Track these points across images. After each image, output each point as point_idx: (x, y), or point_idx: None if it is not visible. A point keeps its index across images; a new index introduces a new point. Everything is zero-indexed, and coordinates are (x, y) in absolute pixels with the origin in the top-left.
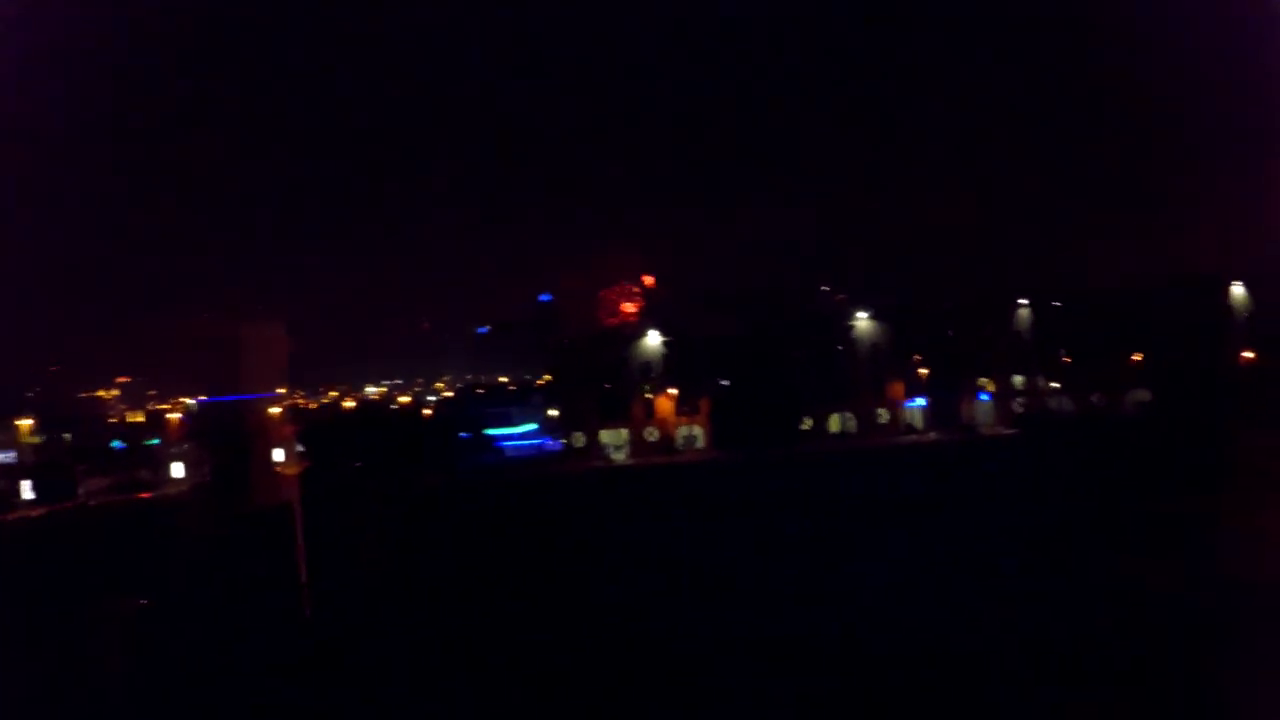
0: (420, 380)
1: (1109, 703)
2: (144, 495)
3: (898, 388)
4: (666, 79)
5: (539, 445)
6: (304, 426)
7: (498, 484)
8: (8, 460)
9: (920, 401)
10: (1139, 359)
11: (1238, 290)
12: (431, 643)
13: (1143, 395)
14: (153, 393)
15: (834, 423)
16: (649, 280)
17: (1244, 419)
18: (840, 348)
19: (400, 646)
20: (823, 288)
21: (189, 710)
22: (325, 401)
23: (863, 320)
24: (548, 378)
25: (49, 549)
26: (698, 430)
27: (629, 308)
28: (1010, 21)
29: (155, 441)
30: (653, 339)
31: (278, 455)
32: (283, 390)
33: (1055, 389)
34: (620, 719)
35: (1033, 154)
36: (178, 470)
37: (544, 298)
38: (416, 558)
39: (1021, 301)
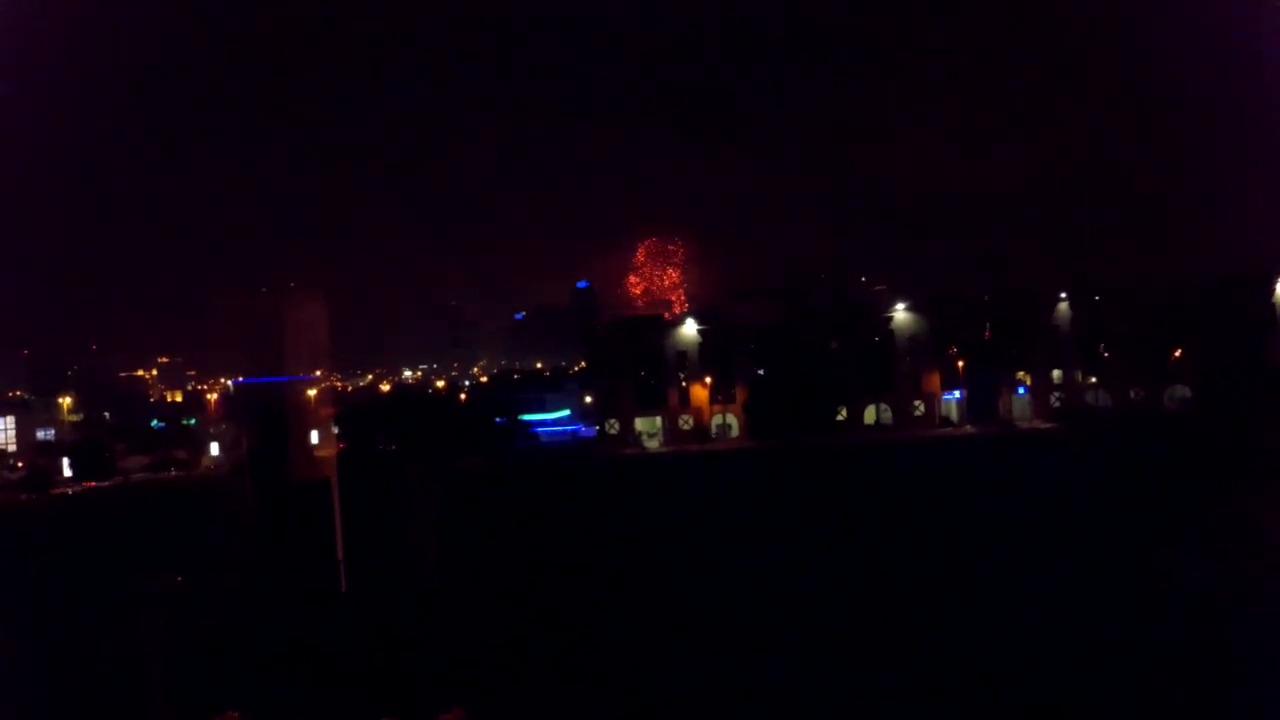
0: (456, 365)
1: None
2: (182, 474)
3: (934, 380)
4: (709, 66)
5: (573, 431)
6: (341, 409)
7: (532, 468)
8: (48, 438)
9: (957, 394)
10: (1179, 355)
11: None
12: (466, 619)
13: (1183, 391)
14: (192, 372)
15: (869, 414)
16: (686, 268)
17: None
18: (877, 338)
19: (436, 622)
20: (861, 278)
21: (225, 683)
22: (362, 385)
23: (901, 311)
24: (583, 364)
25: (87, 526)
26: (732, 419)
27: (666, 295)
28: (1059, 12)
29: (193, 421)
30: (689, 327)
31: (314, 438)
32: (320, 372)
33: (1093, 384)
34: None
35: (1078, 148)
36: (215, 450)
37: (582, 284)
38: (452, 538)
39: (1061, 295)
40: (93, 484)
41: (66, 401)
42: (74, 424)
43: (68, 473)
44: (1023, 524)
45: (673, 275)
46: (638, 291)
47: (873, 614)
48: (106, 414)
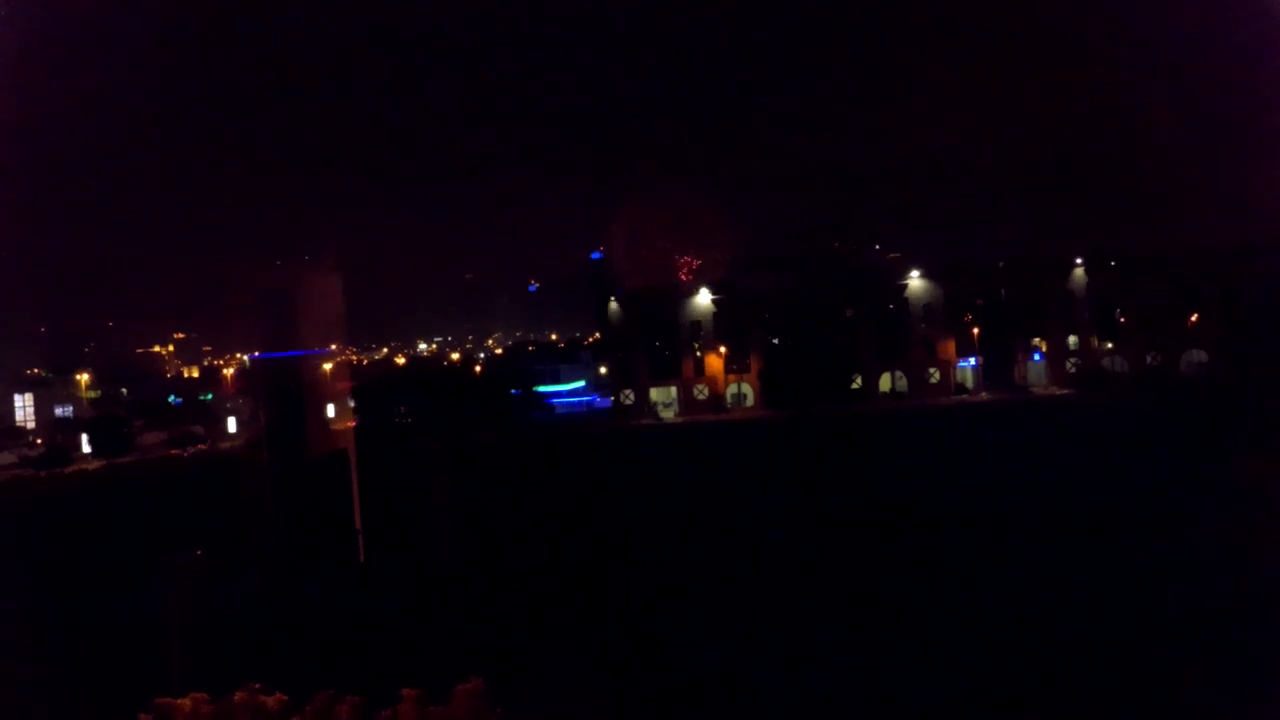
0: (471, 337)
1: None
2: (199, 449)
3: (949, 347)
4: (718, 37)
5: (588, 402)
6: (357, 383)
7: (547, 440)
8: (66, 414)
9: (972, 361)
10: (1195, 320)
11: None
12: (485, 590)
13: (1199, 356)
14: (208, 348)
15: (885, 382)
16: (701, 238)
17: None
18: (892, 306)
19: (454, 592)
20: (875, 245)
21: (246, 655)
22: (377, 358)
23: (915, 279)
24: (597, 335)
25: (106, 501)
26: (747, 388)
27: (681, 265)
28: None
29: (209, 396)
30: (703, 297)
31: (330, 411)
32: (335, 346)
33: (1109, 349)
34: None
35: (1091, 114)
36: (232, 425)
37: (595, 255)
38: (469, 510)
39: (1077, 261)
40: (112, 459)
41: (84, 378)
42: (92, 400)
43: (86, 449)
44: (1039, 493)
45: (687, 246)
46: (652, 263)
47: (887, 588)
48: (124, 390)
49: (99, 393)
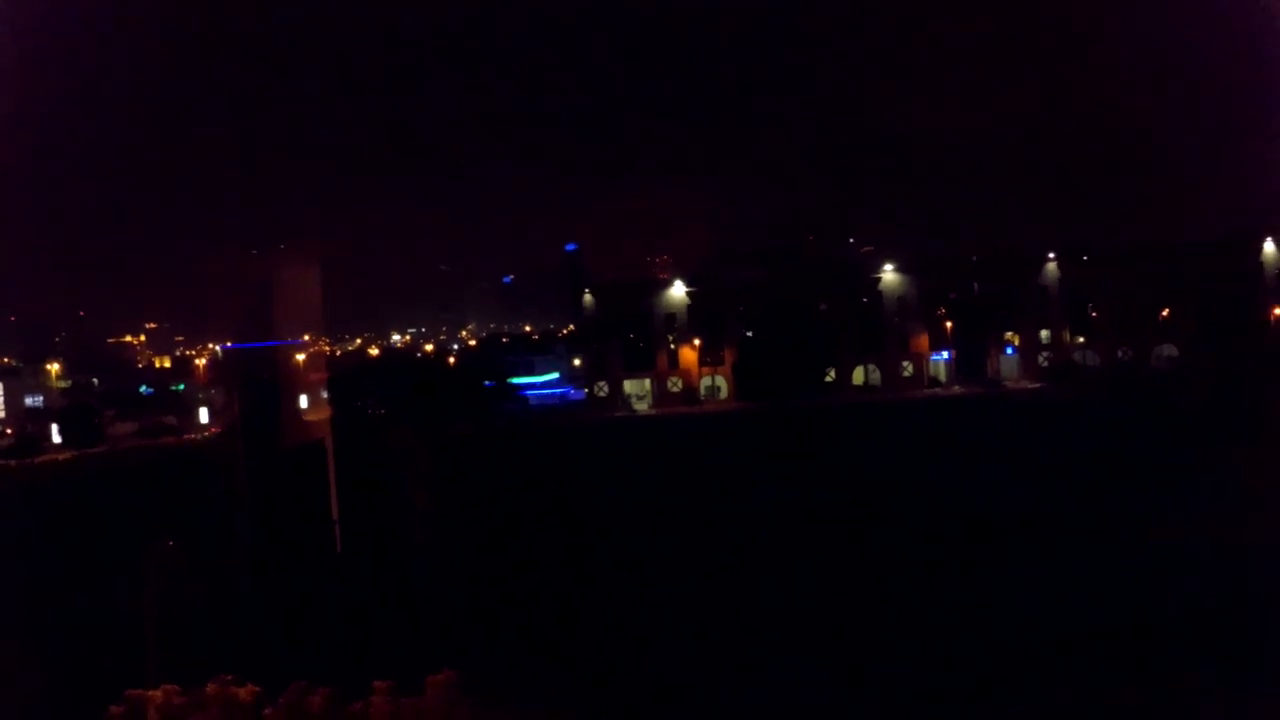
0: (445, 328)
1: None
2: (171, 439)
3: (922, 340)
4: (690, 33)
5: (562, 394)
6: (331, 373)
7: (520, 431)
8: (36, 404)
9: (945, 354)
10: (1166, 314)
11: (1269, 248)
12: (458, 579)
13: (1170, 350)
14: (180, 338)
15: (858, 375)
16: (675, 231)
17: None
18: (865, 299)
19: (428, 584)
20: (849, 239)
21: (223, 646)
22: (351, 349)
23: (889, 272)
24: (572, 327)
25: (77, 492)
26: (721, 381)
27: (655, 258)
28: None
29: (181, 387)
30: (678, 289)
31: (303, 402)
32: (308, 337)
33: (1081, 343)
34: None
35: (1064, 109)
36: (204, 415)
37: (570, 247)
38: (443, 501)
39: (1049, 256)
40: (83, 450)
41: (55, 368)
42: (62, 390)
43: (56, 439)
44: (1014, 485)
45: (660, 239)
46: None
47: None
48: (95, 380)
49: (70, 382)
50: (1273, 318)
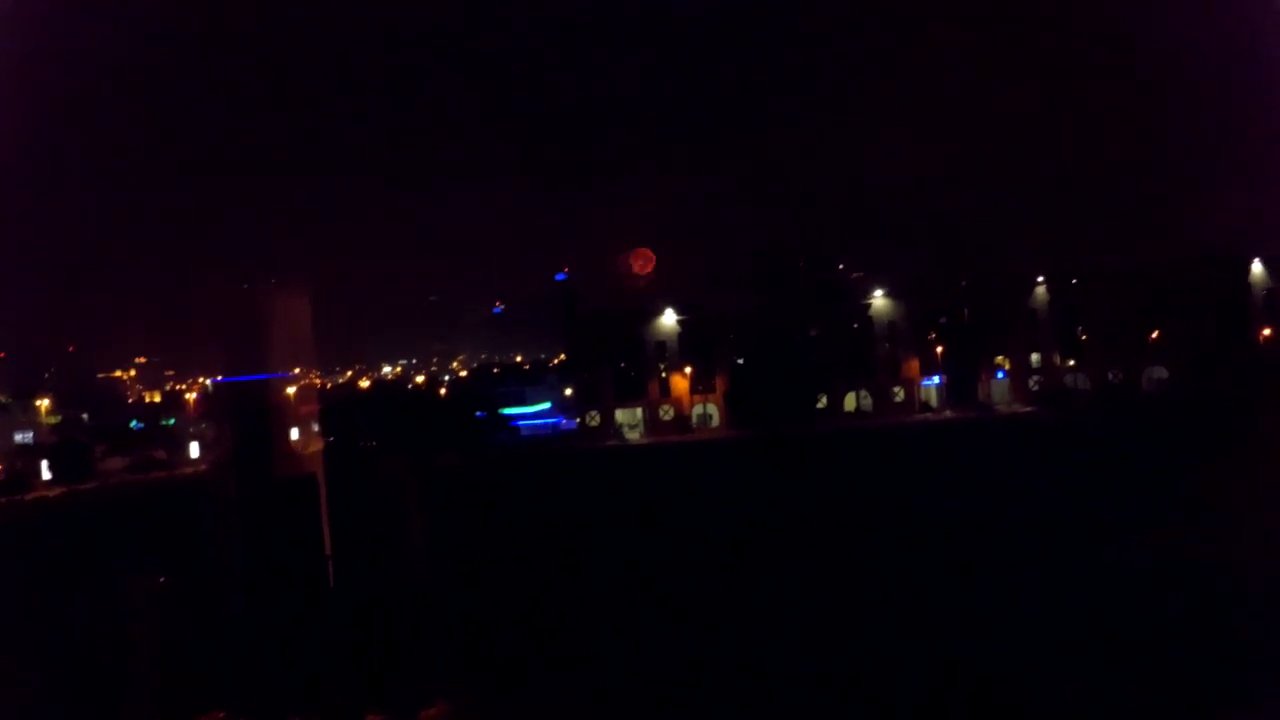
0: (436, 359)
1: None
2: (162, 474)
3: (913, 365)
4: (679, 58)
5: (554, 424)
6: (322, 406)
7: (512, 462)
8: (26, 440)
9: (936, 379)
10: (1156, 336)
11: (1257, 269)
12: (450, 614)
13: (1160, 372)
14: (170, 372)
15: (849, 401)
16: (666, 258)
17: (1265, 396)
18: (856, 325)
19: (421, 618)
20: (839, 264)
21: (215, 681)
22: (342, 381)
23: (879, 297)
24: (563, 356)
25: (68, 528)
26: (713, 408)
27: (645, 286)
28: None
29: (172, 421)
30: (668, 317)
31: (294, 435)
32: (299, 369)
33: (1072, 366)
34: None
35: (1052, 131)
36: (195, 450)
37: (560, 276)
38: (435, 534)
39: (1038, 279)
40: (73, 486)
41: (44, 403)
42: (52, 426)
43: (47, 475)
44: (1008, 510)
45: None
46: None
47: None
48: (85, 415)
49: (60, 418)
50: (1262, 338)
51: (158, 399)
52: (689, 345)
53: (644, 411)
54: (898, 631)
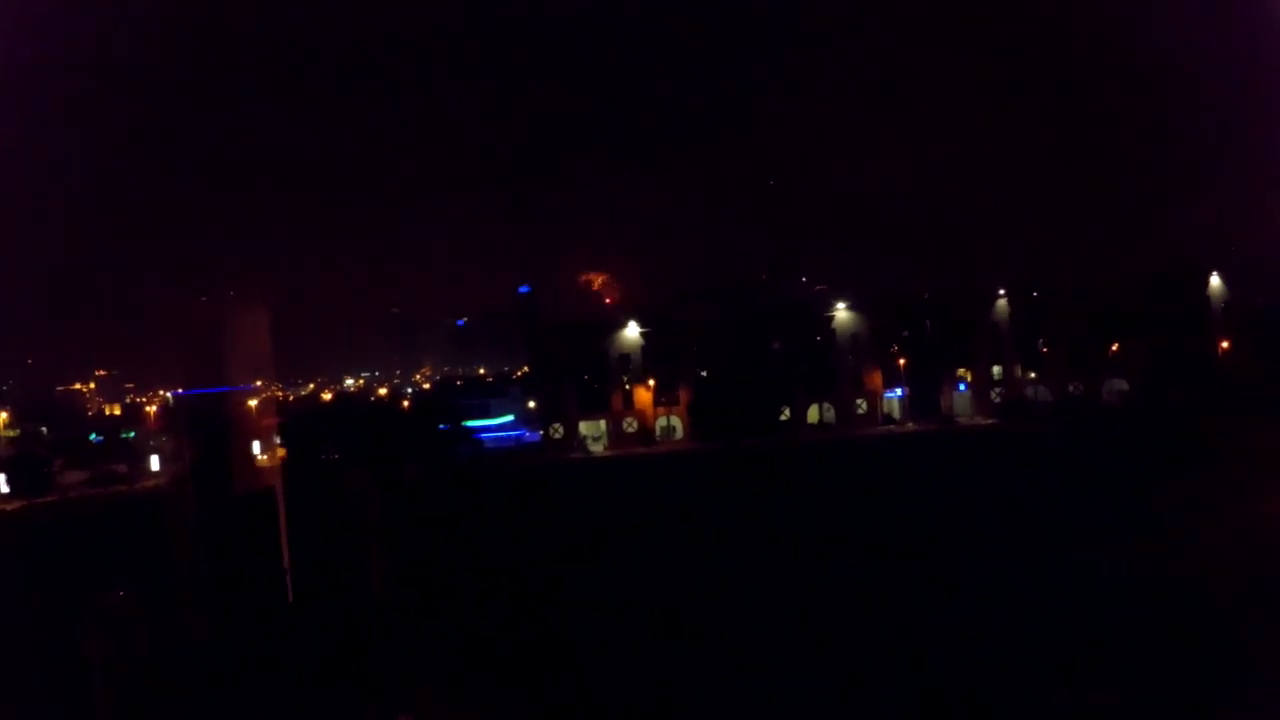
0: (399, 372)
1: None
2: (122, 488)
3: (876, 378)
4: (640, 71)
5: (517, 437)
6: (283, 418)
7: (476, 475)
8: None
9: (898, 392)
10: (1116, 349)
11: (1215, 282)
12: (412, 627)
13: (1120, 384)
14: (130, 385)
15: (813, 413)
16: (628, 272)
17: (1224, 407)
18: (819, 338)
19: (384, 631)
20: (802, 277)
21: (174, 698)
22: (304, 393)
23: (841, 310)
24: (526, 369)
25: (26, 543)
26: (676, 421)
27: (608, 299)
28: (993, 15)
29: (132, 434)
30: (631, 330)
31: (255, 448)
32: (260, 382)
33: (1033, 378)
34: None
35: (1012, 146)
36: (155, 463)
37: (523, 289)
38: (397, 546)
39: (1000, 292)
40: (32, 500)
41: (2, 416)
42: (10, 439)
43: (4, 489)
44: (970, 521)
45: (614, 280)
46: (579, 296)
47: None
48: (44, 429)
49: (18, 431)
50: (1220, 351)
51: (118, 412)
52: (653, 358)
53: (608, 424)
54: (866, 642)
